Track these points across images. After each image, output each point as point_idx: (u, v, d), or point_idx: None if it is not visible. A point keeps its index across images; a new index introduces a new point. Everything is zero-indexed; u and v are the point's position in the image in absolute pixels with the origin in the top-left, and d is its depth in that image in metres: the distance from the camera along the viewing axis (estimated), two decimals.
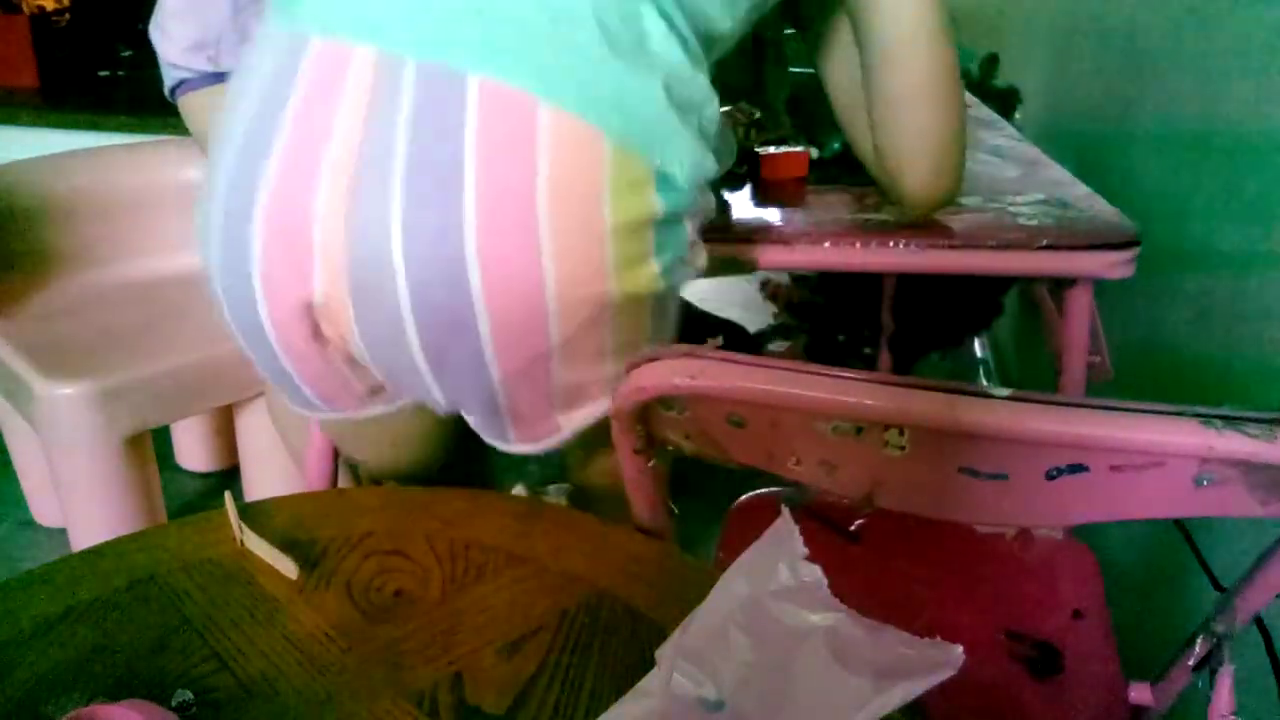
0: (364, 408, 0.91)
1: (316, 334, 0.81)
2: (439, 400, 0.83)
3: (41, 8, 2.48)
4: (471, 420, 0.88)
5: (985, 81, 1.92)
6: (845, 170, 1.20)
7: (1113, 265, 1.01)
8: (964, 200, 1.11)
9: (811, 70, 1.06)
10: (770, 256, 1.03)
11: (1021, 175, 1.19)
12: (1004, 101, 1.92)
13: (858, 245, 1.02)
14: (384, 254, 0.73)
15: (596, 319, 0.77)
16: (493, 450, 0.93)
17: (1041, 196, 1.11)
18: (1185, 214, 1.24)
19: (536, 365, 0.78)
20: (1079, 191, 1.12)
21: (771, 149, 1.19)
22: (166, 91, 1.36)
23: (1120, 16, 1.58)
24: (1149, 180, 1.38)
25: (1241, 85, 1.12)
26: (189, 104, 1.35)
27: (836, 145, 1.24)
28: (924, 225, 1.03)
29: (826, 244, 1.02)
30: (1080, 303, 1.07)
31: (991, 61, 1.93)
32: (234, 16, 1.29)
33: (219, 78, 1.31)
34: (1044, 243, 1.00)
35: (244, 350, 0.86)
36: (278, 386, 0.90)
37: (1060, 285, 1.09)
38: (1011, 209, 1.07)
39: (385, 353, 0.79)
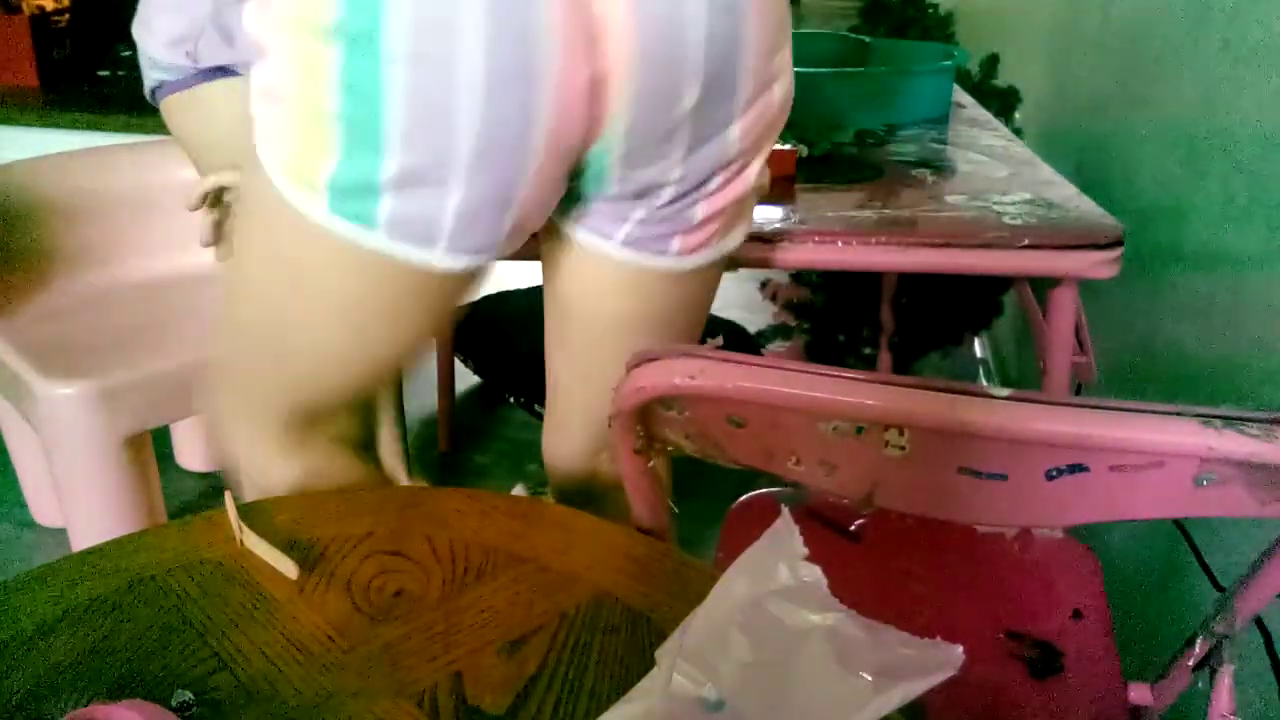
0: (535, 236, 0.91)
1: (588, 120, 0.77)
2: (669, 175, 0.83)
3: (41, 8, 2.48)
4: (640, 221, 0.88)
5: (985, 81, 1.92)
6: (833, 169, 1.21)
7: (1096, 265, 1.01)
8: (950, 198, 1.11)
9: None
10: (755, 254, 1.03)
11: (1010, 175, 1.19)
12: (1004, 101, 1.92)
13: (840, 244, 1.02)
14: (676, 7, 0.74)
15: (785, 101, 0.86)
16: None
17: (1028, 196, 1.11)
18: (1185, 214, 1.24)
19: (759, 143, 0.85)
20: (1067, 191, 1.12)
21: None
22: (147, 94, 1.34)
23: (1120, 16, 1.58)
24: (1149, 180, 1.38)
25: (1241, 85, 1.12)
26: (171, 105, 1.35)
27: (826, 145, 1.24)
28: (908, 224, 1.03)
29: (811, 242, 1.02)
30: (1064, 302, 1.07)
31: (991, 61, 1.93)
32: (215, 13, 1.29)
33: (199, 76, 1.31)
34: (1026, 242, 1.00)
35: (461, 182, 0.77)
36: (472, 220, 0.81)
37: (1045, 284, 1.09)
38: (996, 208, 1.08)
39: (649, 121, 0.78)
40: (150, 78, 1.31)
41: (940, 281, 2.01)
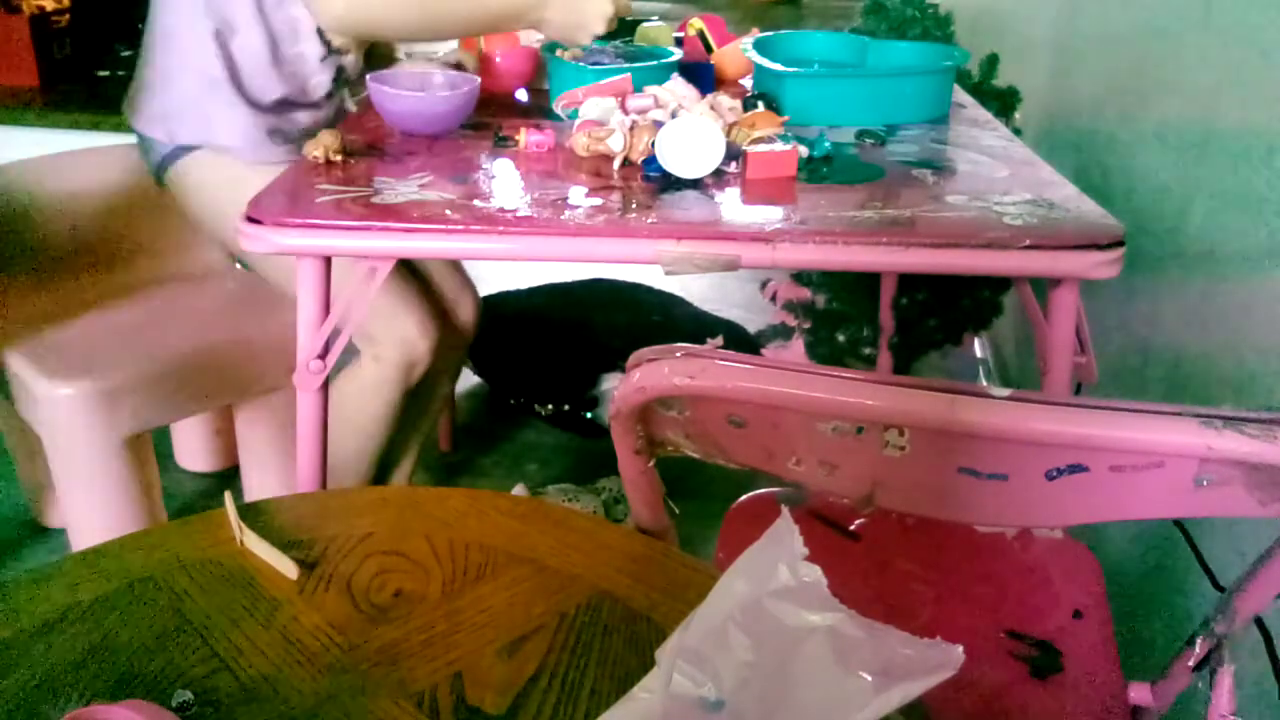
0: None
1: None
2: None
3: (41, 8, 2.48)
4: None
5: (985, 81, 1.92)
6: (833, 169, 1.20)
7: (1097, 265, 1.01)
8: (950, 198, 1.11)
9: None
10: (755, 255, 1.03)
11: (1010, 175, 1.19)
12: (1004, 101, 1.92)
13: (840, 244, 1.02)
14: None
15: None
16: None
17: (1029, 196, 1.11)
18: (1185, 214, 1.24)
19: None
20: (1067, 192, 1.12)
21: (760, 148, 1.19)
22: (153, 175, 1.46)
23: (1120, 16, 1.58)
24: (1149, 180, 1.38)
25: (1241, 85, 1.12)
26: (179, 175, 1.43)
27: (827, 144, 1.24)
28: (909, 224, 1.03)
29: (811, 242, 1.02)
30: (1065, 302, 1.07)
31: (991, 61, 1.93)
32: (200, 96, 1.38)
33: (179, 150, 1.42)
34: (1027, 242, 1.00)
35: None
36: None
37: (1046, 285, 1.09)
38: (997, 208, 1.08)
39: None
40: (156, 151, 1.42)
41: (940, 281, 2.01)
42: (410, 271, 1.54)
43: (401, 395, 1.45)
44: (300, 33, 1.35)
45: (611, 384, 2.11)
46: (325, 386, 1.16)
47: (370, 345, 1.41)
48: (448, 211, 1.06)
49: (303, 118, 1.44)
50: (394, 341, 1.40)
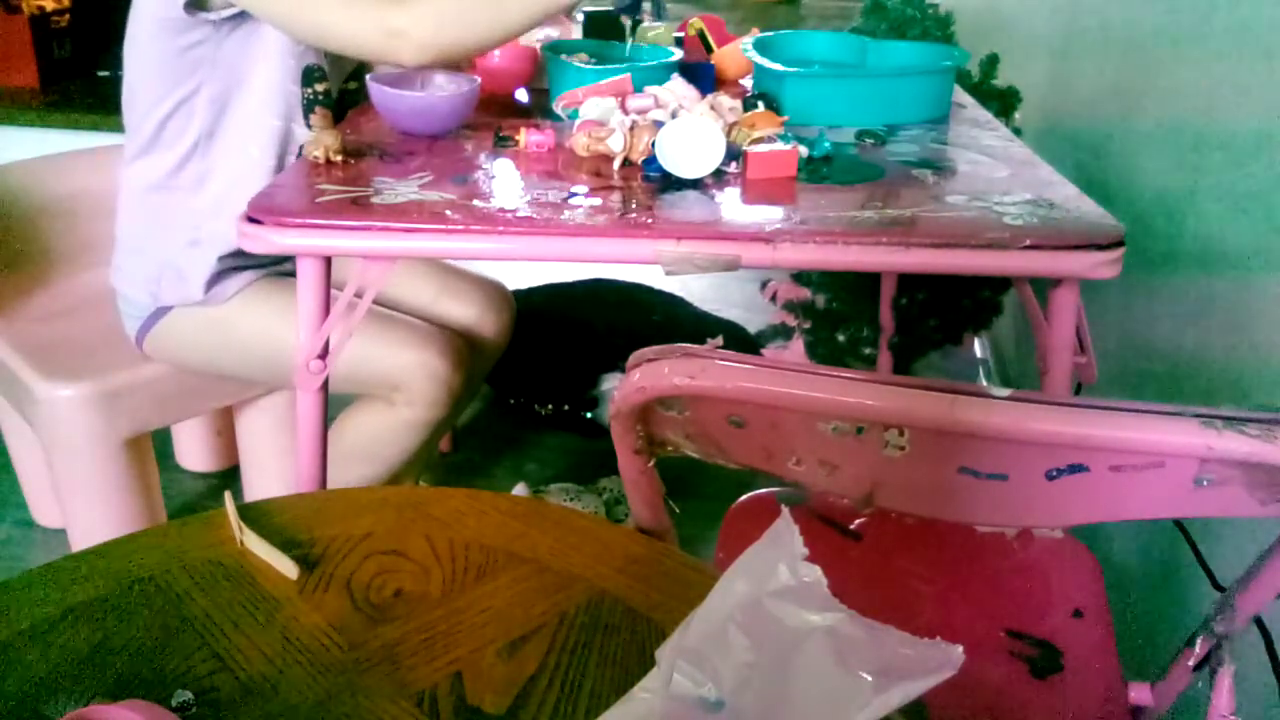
0: None
1: None
2: None
3: (41, 8, 2.48)
4: None
5: (985, 81, 1.92)
6: (833, 169, 1.20)
7: (1097, 266, 1.01)
8: (950, 198, 1.11)
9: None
10: (755, 255, 1.03)
11: (1010, 175, 1.19)
12: (1003, 102, 1.92)
13: (840, 244, 1.02)
14: None
15: None
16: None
17: (1029, 196, 1.11)
18: (1185, 214, 1.24)
19: None
20: (1068, 192, 1.12)
21: (760, 148, 1.18)
22: (134, 342, 1.45)
23: (1120, 16, 1.58)
24: (1149, 180, 1.38)
25: (1242, 85, 1.12)
26: (158, 339, 1.43)
27: (827, 144, 1.24)
28: (909, 224, 1.04)
29: (811, 242, 1.02)
30: (1065, 303, 1.07)
31: (991, 61, 1.93)
32: (172, 257, 1.38)
33: (160, 312, 1.42)
34: (1027, 242, 1.00)
35: None
36: None
37: (1046, 285, 1.09)
38: (998, 208, 1.08)
39: None
40: (131, 321, 1.43)
41: (940, 281, 2.01)
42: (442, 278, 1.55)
43: (431, 433, 1.43)
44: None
45: (611, 384, 2.11)
46: (325, 386, 1.16)
47: (398, 393, 1.39)
48: (448, 211, 1.06)
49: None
50: (422, 382, 1.37)
